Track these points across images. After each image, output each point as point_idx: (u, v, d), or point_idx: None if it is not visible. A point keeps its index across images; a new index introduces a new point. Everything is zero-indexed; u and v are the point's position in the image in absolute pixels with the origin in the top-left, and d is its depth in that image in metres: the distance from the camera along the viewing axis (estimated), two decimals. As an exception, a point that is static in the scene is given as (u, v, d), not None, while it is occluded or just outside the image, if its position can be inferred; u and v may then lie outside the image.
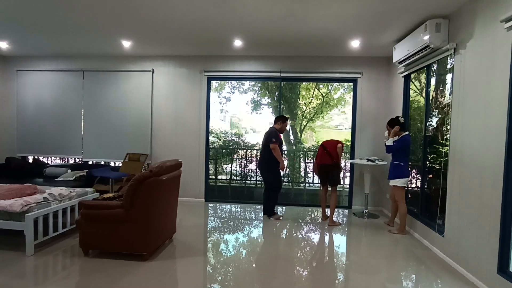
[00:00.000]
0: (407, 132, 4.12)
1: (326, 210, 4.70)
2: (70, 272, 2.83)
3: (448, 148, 3.34)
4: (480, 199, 2.75)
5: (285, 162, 4.87)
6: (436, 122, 4.02)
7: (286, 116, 4.86)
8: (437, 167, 3.79)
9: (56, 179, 4.94)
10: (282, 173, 4.81)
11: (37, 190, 3.55)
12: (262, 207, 4.91)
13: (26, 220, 3.01)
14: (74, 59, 5.74)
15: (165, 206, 3.30)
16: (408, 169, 4.05)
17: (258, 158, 5.26)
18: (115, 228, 3.04)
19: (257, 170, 5.00)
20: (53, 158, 6.65)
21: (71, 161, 6.52)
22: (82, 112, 5.75)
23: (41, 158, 6.15)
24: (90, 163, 5.90)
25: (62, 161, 6.79)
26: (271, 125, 4.82)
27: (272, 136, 4.58)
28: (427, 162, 4.00)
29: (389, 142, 4.13)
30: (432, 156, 3.99)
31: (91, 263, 2.98)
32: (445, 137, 3.60)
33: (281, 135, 4.80)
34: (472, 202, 2.85)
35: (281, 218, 4.72)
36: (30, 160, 6.05)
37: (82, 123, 5.76)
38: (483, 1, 2.79)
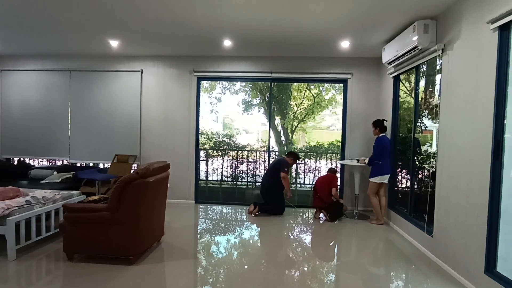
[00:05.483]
0: (383, 134, 4.48)
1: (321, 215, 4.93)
2: (54, 277, 2.75)
3: (436, 148, 3.36)
4: (467, 198, 2.76)
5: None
6: (425, 124, 4.06)
7: (299, 156, 5.39)
8: (426, 167, 3.81)
9: (41, 182, 4.81)
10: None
11: (20, 193, 3.44)
12: (262, 204, 4.99)
13: (8, 224, 2.92)
14: (60, 59, 5.62)
15: (152, 208, 3.24)
16: (387, 167, 4.40)
17: (261, 181, 5.27)
18: (100, 232, 2.97)
19: (260, 194, 5.20)
20: (39, 160, 6.50)
21: (58, 163, 6.38)
22: (69, 113, 5.63)
23: (26, 160, 6.00)
24: (78, 165, 5.78)
25: (49, 163, 6.63)
26: (284, 156, 5.19)
27: (284, 166, 4.95)
28: (416, 163, 4.02)
29: (366, 161, 4.64)
30: (420, 156, 4.01)
31: (76, 268, 2.90)
32: (433, 137, 3.62)
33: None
34: (460, 201, 2.87)
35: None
36: (15, 162, 5.90)
37: (69, 124, 5.64)
38: (469, 2, 2.81)
